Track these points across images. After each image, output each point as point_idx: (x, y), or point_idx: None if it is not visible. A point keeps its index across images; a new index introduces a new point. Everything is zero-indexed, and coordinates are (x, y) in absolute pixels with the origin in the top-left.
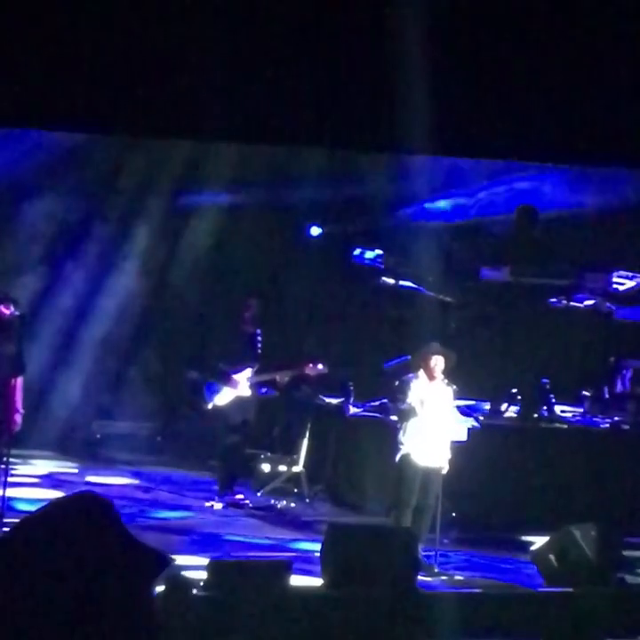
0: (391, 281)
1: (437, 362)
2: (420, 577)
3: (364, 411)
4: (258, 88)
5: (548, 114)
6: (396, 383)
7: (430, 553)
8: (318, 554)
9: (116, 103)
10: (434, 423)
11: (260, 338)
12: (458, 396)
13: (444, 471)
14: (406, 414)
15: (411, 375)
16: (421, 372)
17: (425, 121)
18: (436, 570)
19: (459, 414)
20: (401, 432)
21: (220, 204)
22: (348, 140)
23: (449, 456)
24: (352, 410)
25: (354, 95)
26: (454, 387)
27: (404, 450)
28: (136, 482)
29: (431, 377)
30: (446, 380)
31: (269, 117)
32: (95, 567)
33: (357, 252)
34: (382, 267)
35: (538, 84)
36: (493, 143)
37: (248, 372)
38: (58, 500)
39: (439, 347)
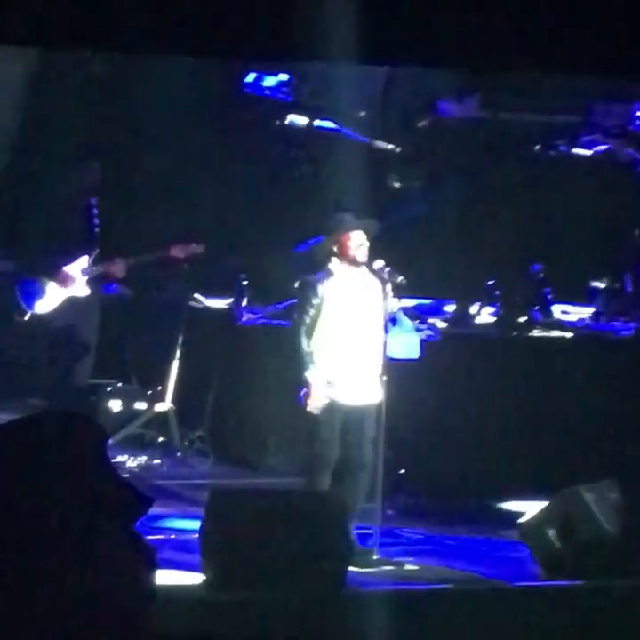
0: (303, 120)
1: (358, 241)
2: (351, 568)
3: (263, 318)
4: None
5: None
6: (296, 285)
7: (367, 530)
8: (196, 536)
9: None
10: (359, 339)
11: (97, 210)
12: (406, 294)
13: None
14: (316, 332)
15: (318, 274)
16: (335, 264)
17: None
18: (375, 556)
19: (407, 321)
20: (305, 359)
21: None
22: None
23: (380, 387)
24: (246, 317)
25: None
26: (400, 278)
27: (311, 383)
28: None
29: (352, 266)
30: (385, 268)
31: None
32: (76, 494)
33: (251, 77)
34: (289, 99)
35: None
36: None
37: (84, 261)
38: (44, 413)
39: (354, 219)
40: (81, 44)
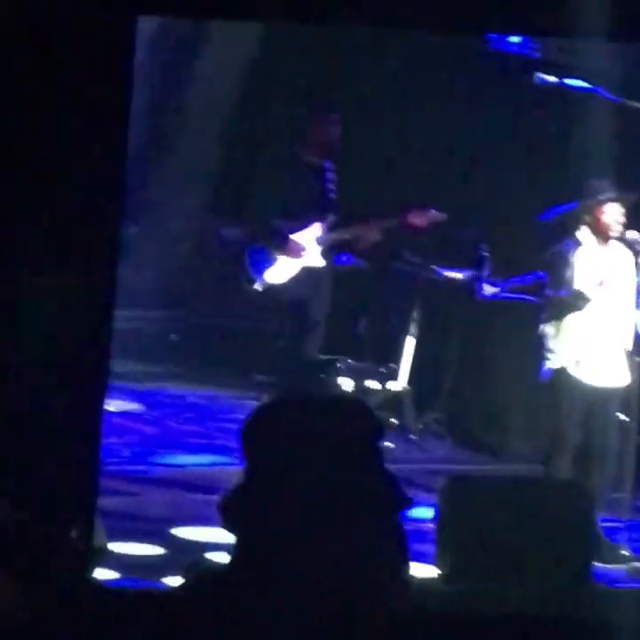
0: (552, 79)
1: (614, 214)
2: (598, 564)
3: (506, 292)
4: None
5: None
6: (548, 256)
7: (617, 524)
8: (431, 525)
9: None
10: (607, 315)
11: (333, 175)
12: None
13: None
14: (564, 307)
15: (567, 244)
16: (586, 233)
17: None
18: (626, 552)
19: None
20: (551, 334)
21: None
22: None
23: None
24: (488, 290)
25: None
26: None
27: (556, 362)
28: (137, 407)
29: (604, 237)
30: (634, 238)
31: None
32: (347, 481)
33: (495, 34)
34: (538, 56)
35: None
36: None
37: (317, 229)
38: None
39: (612, 187)
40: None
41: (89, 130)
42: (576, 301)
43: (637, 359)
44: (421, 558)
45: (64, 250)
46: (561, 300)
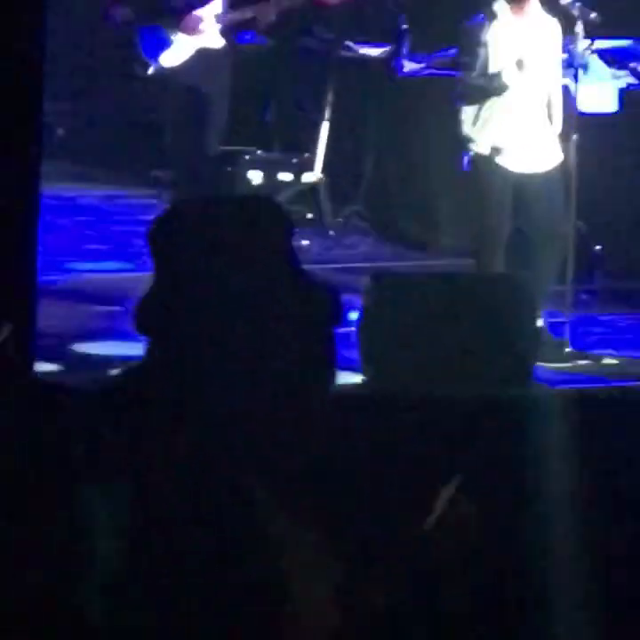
0: None
1: None
2: (539, 363)
3: (428, 67)
4: None
5: None
6: (458, 33)
7: (558, 319)
8: (354, 329)
9: None
10: (531, 94)
11: None
12: (601, 34)
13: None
14: (479, 89)
15: (481, 16)
16: (501, 4)
17: None
18: (568, 348)
19: (601, 67)
20: (469, 119)
21: None
22: None
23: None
24: (408, 66)
25: None
26: (593, 14)
27: (476, 148)
28: None
29: (520, 5)
30: (573, 2)
31: None
32: (263, 286)
33: None
34: None
35: None
36: None
37: (216, 5)
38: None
39: None
40: None
41: None
42: (486, 84)
43: (574, 136)
44: (342, 364)
45: None
46: (471, 84)
